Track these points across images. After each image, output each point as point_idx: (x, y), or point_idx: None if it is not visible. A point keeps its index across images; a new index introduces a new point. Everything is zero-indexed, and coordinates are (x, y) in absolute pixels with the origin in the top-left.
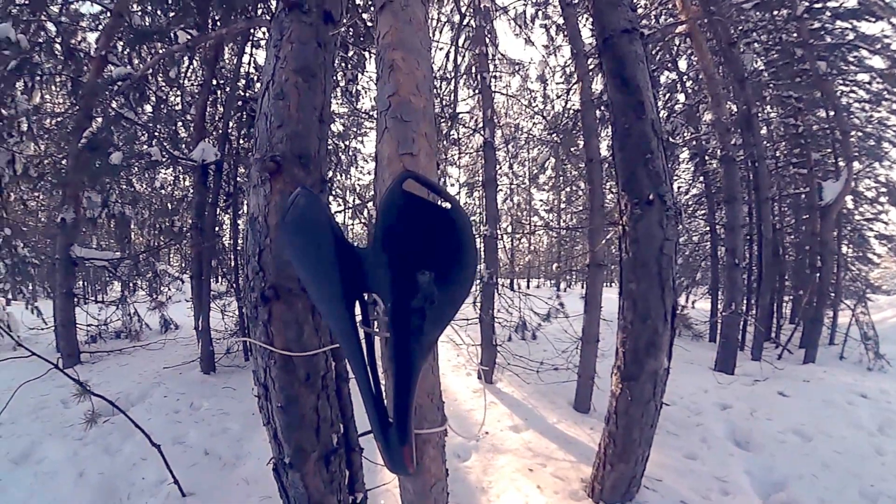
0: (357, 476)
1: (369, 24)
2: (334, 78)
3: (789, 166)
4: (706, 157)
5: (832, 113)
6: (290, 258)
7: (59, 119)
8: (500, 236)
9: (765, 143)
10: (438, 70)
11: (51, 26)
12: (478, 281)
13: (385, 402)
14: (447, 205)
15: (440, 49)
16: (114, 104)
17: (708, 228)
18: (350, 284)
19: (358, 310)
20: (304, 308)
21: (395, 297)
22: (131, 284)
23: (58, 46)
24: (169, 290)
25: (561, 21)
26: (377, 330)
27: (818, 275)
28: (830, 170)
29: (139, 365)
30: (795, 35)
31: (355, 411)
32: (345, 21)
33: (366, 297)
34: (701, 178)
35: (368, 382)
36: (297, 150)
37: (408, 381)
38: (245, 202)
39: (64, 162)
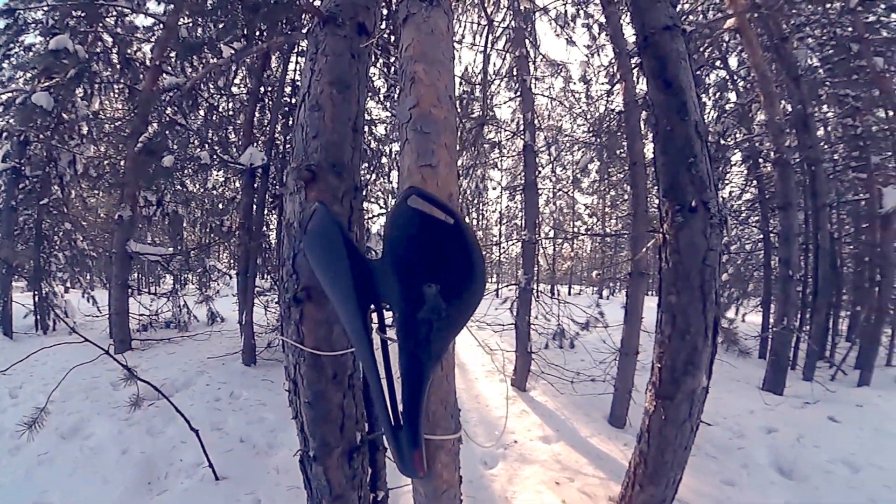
0: (380, 475)
1: None
2: (375, 85)
3: (848, 170)
4: (760, 160)
5: (892, 113)
6: (312, 266)
7: (117, 124)
8: (539, 241)
9: (822, 144)
10: (479, 73)
11: (107, 37)
12: (515, 286)
13: (399, 406)
14: (451, 220)
15: (479, 52)
16: (168, 111)
17: (761, 236)
18: (362, 293)
19: (375, 316)
20: (334, 310)
21: (404, 307)
22: (182, 278)
23: (115, 57)
24: (217, 284)
25: (603, 19)
26: (391, 336)
27: (877, 289)
28: (892, 174)
29: (185, 354)
30: (850, 29)
31: None
32: (379, 32)
33: (383, 305)
34: (754, 183)
35: (380, 386)
36: (332, 160)
37: (418, 387)
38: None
39: (122, 164)
